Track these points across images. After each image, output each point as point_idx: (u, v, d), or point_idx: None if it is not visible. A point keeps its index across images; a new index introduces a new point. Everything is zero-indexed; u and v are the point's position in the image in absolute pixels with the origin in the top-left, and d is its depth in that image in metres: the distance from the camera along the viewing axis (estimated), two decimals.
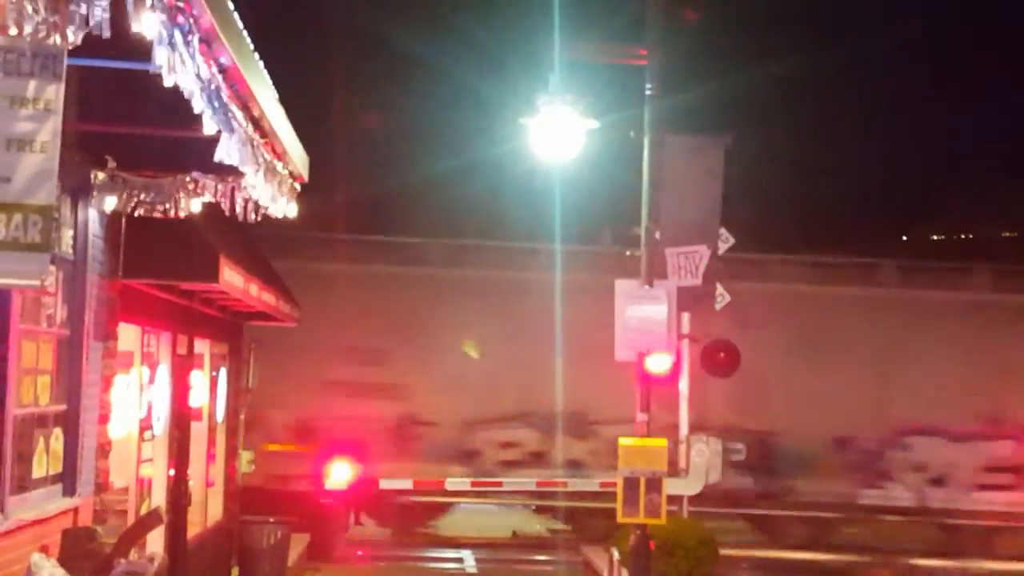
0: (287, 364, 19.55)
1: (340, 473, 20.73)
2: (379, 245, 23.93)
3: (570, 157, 14.41)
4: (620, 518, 13.88)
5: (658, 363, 14.11)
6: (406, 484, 21.67)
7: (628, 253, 15.87)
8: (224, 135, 6.39)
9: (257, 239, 15.83)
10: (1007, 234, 42.16)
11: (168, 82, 5.69)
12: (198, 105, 5.84)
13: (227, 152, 6.52)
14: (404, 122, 33.87)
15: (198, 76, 5.94)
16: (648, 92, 14.36)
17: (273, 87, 7.65)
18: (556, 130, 13.84)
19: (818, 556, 22.75)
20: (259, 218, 9.01)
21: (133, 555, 8.99)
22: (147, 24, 4.97)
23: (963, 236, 45.01)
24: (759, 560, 22.39)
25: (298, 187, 9.06)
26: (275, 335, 17.05)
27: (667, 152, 15.31)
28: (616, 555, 13.68)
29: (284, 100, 7.97)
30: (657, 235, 14.77)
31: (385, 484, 21.51)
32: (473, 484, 22.29)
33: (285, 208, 8.85)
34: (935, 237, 45.10)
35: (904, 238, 41.79)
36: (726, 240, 17.09)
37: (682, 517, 17.23)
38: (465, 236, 25.72)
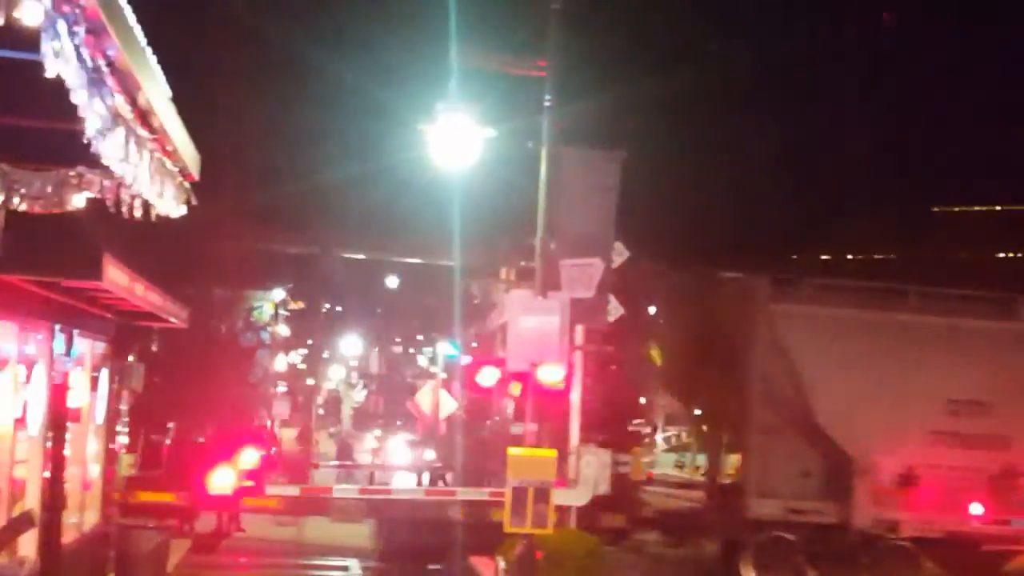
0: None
1: None
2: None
3: (468, 165, 14.40)
4: (507, 528, 13.90)
5: (550, 374, 14.17)
6: None
7: (522, 264, 15.92)
8: (107, 130, 6.22)
9: None
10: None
11: (51, 72, 5.52)
12: (80, 97, 5.68)
13: (109, 147, 6.35)
14: (303, 128, 33.61)
15: (82, 68, 5.78)
16: (546, 103, 14.45)
17: (165, 83, 7.48)
18: (454, 137, 13.83)
19: None
20: (147, 217, 8.80)
21: (3, 558, 8.69)
22: (30, 12, 4.82)
23: (851, 256, 46.05)
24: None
25: (188, 186, 8.88)
26: None
27: (564, 164, 15.40)
28: (502, 564, 13.69)
29: (180, 101, 7.81)
30: (552, 246, 14.85)
31: None
32: None
33: (173, 207, 8.66)
34: (824, 257, 46.00)
35: (794, 257, 42.52)
36: (620, 253, 17.25)
37: (570, 528, 17.32)
38: None
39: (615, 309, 17.01)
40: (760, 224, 40.33)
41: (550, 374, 14.18)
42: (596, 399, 19.91)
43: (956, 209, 48.04)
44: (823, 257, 45.39)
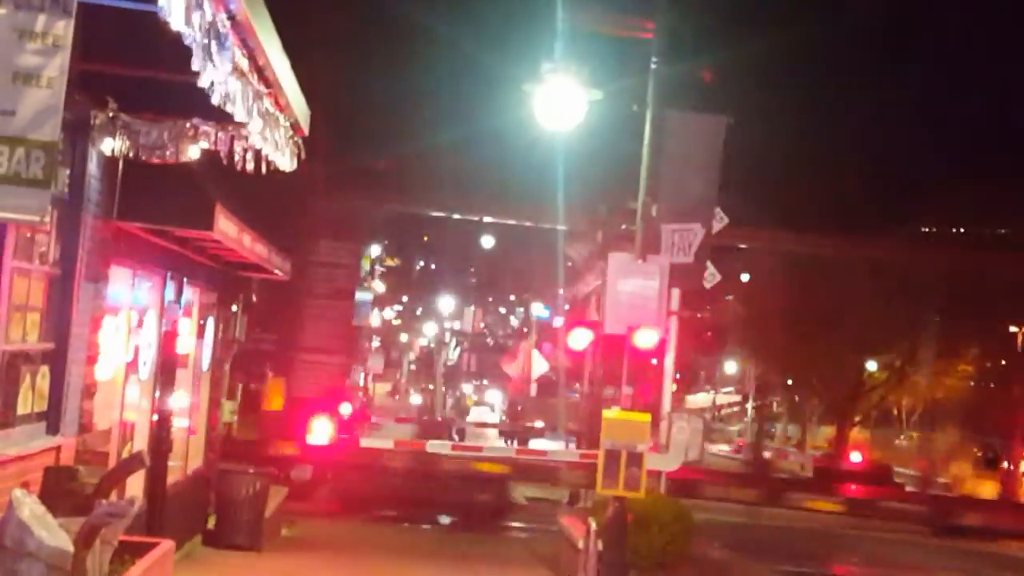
0: None
1: None
2: None
3: (572, 126, 14.35)
4: (599, 489, 13.94)
5: (647, 338, 14.13)
6: None
7: (624, 227, 15.86)
8: (225, 82, 6.35)
9: None
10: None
11: (174, 25, 5.65)
12: (200, 50, 5.80)
13: (228, 99, 6.48)
14: (407, 92, 33.74)
15: (204, 20, 5.90)
16: (653, 65, 14.30)
17: (279, 38, 7.60)
18: (559, 98, 13.78)
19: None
20: (258, 169, 8.96)
21: (113, 497, 8.99)
22: None
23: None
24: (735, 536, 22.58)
25: (298, 140, 9.03)
26: None
27: (668, 128, 15.25)
28: (593, 525, 13.73)
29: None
30: (654, 211, 14.76)
31: None
32: None
33: (284, 160, 8.81)
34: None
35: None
36: (720, 220, 17.08)
37: (659, 493, 17.31)
38: None
39: (712, 276, 16.87)
40: (862, 194, 39.43)
41: (645, 338, 14.14)
42: (690, 365, 19.83)
43: None
44: (924, 230, 44.11)
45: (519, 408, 51.27)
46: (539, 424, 44.24)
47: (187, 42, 5.91)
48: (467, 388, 72.70)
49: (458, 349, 71.82)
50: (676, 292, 17.46)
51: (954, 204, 36.80)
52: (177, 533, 12.43)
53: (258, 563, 14.56)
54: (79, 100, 8.49)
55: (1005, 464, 41.77)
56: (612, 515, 14.02)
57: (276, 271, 15.08)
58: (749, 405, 53.84)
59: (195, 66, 6.02)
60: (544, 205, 24.59)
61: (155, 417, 12.30)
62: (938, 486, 40.89)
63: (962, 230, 41.74)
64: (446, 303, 69.70)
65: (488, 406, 69.31)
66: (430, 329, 73.17)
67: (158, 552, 9.29)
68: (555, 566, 16.56)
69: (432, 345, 72.41)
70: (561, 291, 41.50)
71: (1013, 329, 40.69)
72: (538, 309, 55.16)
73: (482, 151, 31.67)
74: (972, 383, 42.78)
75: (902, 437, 43.77)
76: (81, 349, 9.24)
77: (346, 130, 28.87)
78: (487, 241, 57.60)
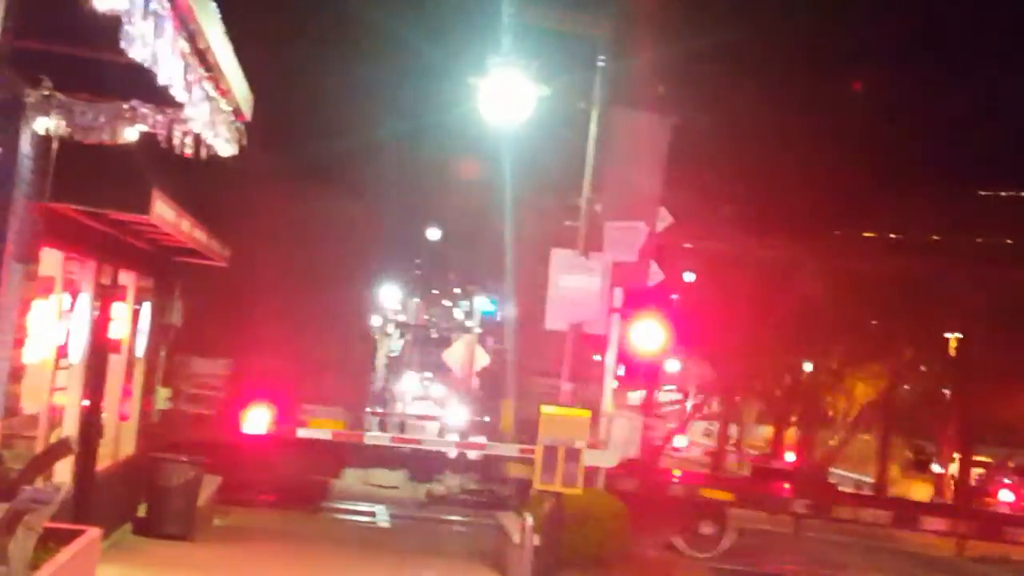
0: None
1: None
2: None
3: (519, 122, 14.32)
4: (537, 485, 13.95)
5: (589, 333, 14.16)
6: None
7: (567, 223, 15.87)
8: (164, 64, 6.23)
9: None
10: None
11: (111, 4, 5.53)
12: (139, 31, 5.68)
13: (166, 82, 6.37)
14: (349, 82, 33.50)
15: (142, 2, 5.78)
16: (599, 63, 14.32)
17: (222, 23, 7.48)
18: (506, 93, 13.73)
19: None
20: (198, 154, 8.82)
21: (39, 483, 8.83)
22: None
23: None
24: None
25: (240, 126, 8.90)
26: None
27: (614, 126, 15.29)
28: (530, 521, 13.74)
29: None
30: (598, 208, 14.78)
31: None
32: None
33: (224, 146, 8.69)
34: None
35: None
36: (665, 219, 17.15)
37: (597, 489, 17.35)
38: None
39: (656, 274, 16.93)
40: (805, 197, 39.77)
41: (588, 334, 14.18)
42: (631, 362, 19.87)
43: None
44: (866, 235, 44.62)
45: (462, 401, 51.24)
46: (487, 419, 44.18)
47: (124, 21, 5.79)
48: (409, 380, 72.51)
49: (401, 341, 71.60)
50: (619, 291, 17.53)
51: (894, 210, 37.31)
52: (106, 521, 12.24)
53: (186, 552, 14.38)
54: (12, 77, 8.30)
55: (937, 467, 42.46)
56: (549, 511, 14.04)
57: (214, 258, 14.90)
58: (689, 404, 54.25)
59: (127, 47, 5.88)
60: (491, 200, 24.62)
61: (85, 403, 12.09)
62: (869, 487, 41.50)
63: (901, 236, 42.36)
64: (390, 294, 69.42)
65: (431, 400, 69.22)
66: (375, 321, 72.83)
67: (84, 540, 9.14)
68: (492, 560, 16.54)
69: (376, 336, 72.09)
70: (507, 285, 41.47)
71: (948, 335, 41.31)
72: (483, 303, 55.11)
73: (429, 144, 31.56)
74: (907, 387, 43.40)
75: (836, 439, 44.28)
76: (8, 331, 9.03)
77: (291, 122, 28.63)
78: (433, 233, 57.44)
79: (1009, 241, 34.26)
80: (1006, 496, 41.62)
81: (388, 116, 31.59)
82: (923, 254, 34.94)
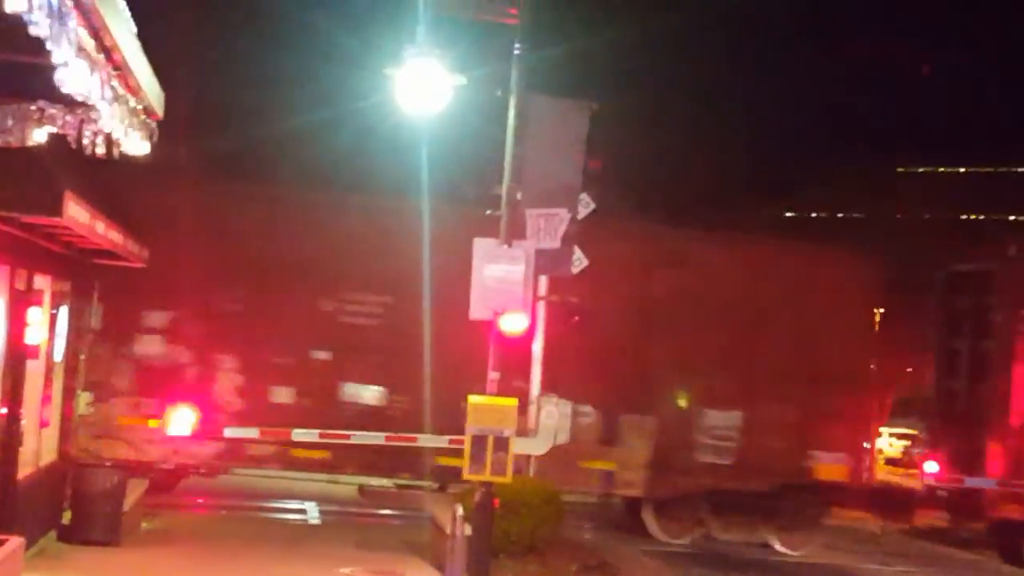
0: None
1: None
2: None
3: (436, 112, 14.26)
4: (466, 475, 13.96)
5: (513, 323, 14.17)
6: None
7: (488, 212, 15.85)
8: (69, 64, 6.10)
9: None
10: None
11: (10, 6, 5.40)
12: (42, 30, 5.56)
13: (72, 81, 6.24)
14: (264, 72, 33.11)
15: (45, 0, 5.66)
16: (516, 51, 14.31)
17: (130, 19, 7.35)
18: (422, 83, 13.66)
19: None
20: (110, 154, 8.67)
21: None
22: None
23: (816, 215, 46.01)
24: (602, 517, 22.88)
25: (152, 124, 8.75)
26: None
27: (533, 114, 15.29)
28: (460, 511, 13.75)
29: (142, 40, 7.68)
30: (519, 196, 14.79)
31: None
32: None
33: (136, 145, 8.54)
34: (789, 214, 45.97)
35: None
36: (587, 205, 17.20)
37: (528, 477, 17.43)
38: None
39: (579, 260, 16.99)
40: (728, 177, 40.30)
41: (513, 323, 14.19)
42: (559, 350, 19.95)
43: (920, 170, 48.13)
44: (788, 214, 45.35)
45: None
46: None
47: (25, 20, 5.65)
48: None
49: None
50: (544, 278, 17.58)
51: (811, 195, 38.11)
52: (29, 529, 12.02)
53: (113, 558, 14.17)
54: None
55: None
56: (479, 500, 14.06)
57: (131, 259, 14.67)
58: None
59: (44, 45, 5.75)
60: (408, 191, 24.47)
61: (3, 410, 11.85)
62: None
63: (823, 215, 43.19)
64: None
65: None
66: None
67: (7, 549, 8.98)
68: (424, 553, 16.53)
69: None
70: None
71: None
72: None
73: (344, 135, 31.28)
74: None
75: None
76: None
77: (206, 114, 28.25)
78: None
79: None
80: (930, 467, 42.47)
81: (305, 106, 31.29)
82: (844, 239, 35.65)
